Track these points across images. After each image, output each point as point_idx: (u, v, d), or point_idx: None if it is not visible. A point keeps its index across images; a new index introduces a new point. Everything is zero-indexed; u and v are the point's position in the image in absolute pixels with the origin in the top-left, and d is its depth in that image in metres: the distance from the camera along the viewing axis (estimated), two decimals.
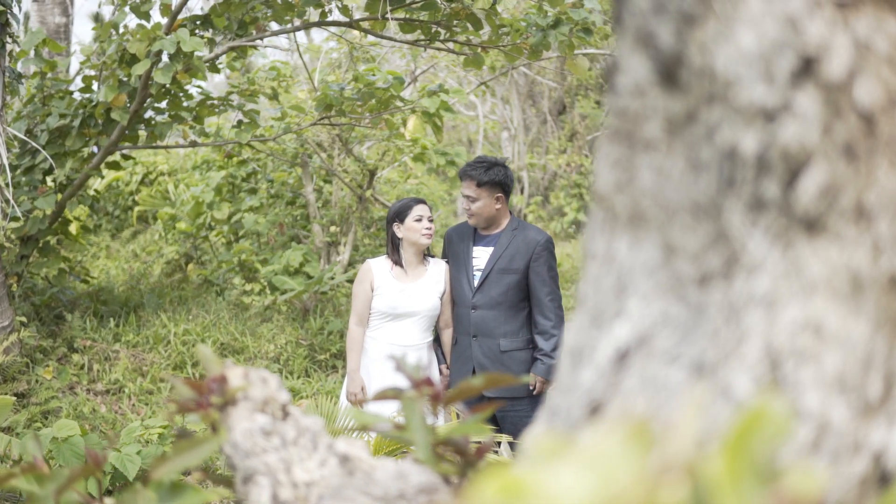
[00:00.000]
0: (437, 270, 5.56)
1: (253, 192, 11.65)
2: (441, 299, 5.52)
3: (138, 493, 1.33)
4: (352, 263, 11.08)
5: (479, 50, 7.83)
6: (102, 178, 9.16)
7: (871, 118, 0.84)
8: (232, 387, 1.46)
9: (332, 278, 10.09)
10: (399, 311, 5.39)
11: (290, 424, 1.44)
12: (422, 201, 5.54)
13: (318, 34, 19.31)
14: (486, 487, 0.61)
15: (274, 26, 8.18)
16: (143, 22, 7.43)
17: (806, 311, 0.86)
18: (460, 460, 1.45)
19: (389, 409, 4.62)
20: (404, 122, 9.67)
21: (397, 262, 5.49)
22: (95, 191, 13.33)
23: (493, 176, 5.39)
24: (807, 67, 0.85)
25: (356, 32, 9.58)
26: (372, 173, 10.96)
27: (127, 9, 7.49)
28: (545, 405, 1.20)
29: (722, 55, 0.89)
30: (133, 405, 7.78)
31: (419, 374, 1.49)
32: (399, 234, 5.45)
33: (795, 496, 0.59)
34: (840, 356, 0.85)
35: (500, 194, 5.44)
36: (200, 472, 1.69)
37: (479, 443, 1.46)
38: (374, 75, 8.48)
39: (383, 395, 1.51)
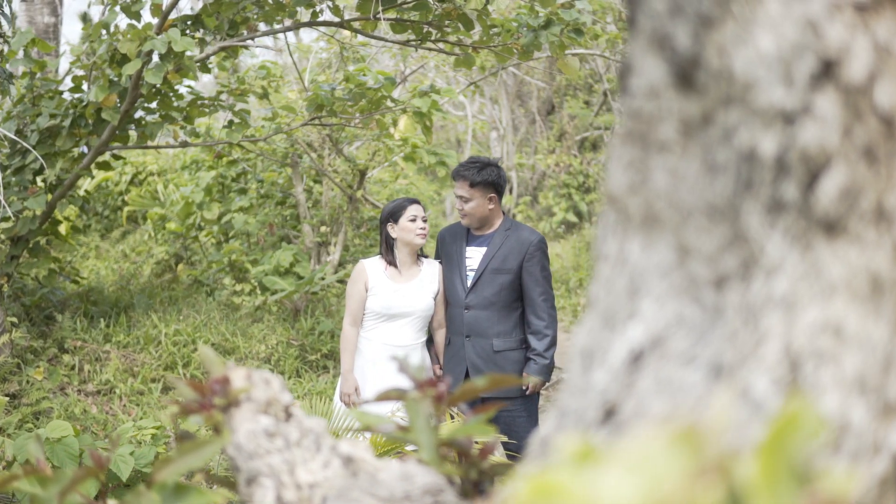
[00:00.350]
0: (431, 271, 5.55)
1: (243, 192, 11.64)
2: (435, 299, 5.52)
3: (142, 495, 1.33)
4: (342, 264, 11.09)
5: (470, 50, 7.83)
6: (92, 178, 9.14)
7: (891, 121, 0.85)
8: (235, 388, 1.46)
9: (323, 279, 10.09)
10: (393, 312, 5.39)
11: (293, 426, 1.44)
12: (416, 201, 5.53)
13: (307, 34, 19.29)
14: (524, 490, 0.61)
15: (264, 26, 8.17)
16: (134, 22, 7.41)
17: (826, 313, 0.87)
18: (464, 462, 1.45)
19: (385, 410, 4.61)
20: (395, 123, 9.67)
21: (391, 262, 5.48)
22: (86, 191, 13.30)
23: (486, 176, 5.39)
24: (827, 70, 0.85)
25: (346, 32, 9.57)
26: (362, 173, 10.96)
27: (117, 9, 7.46)
28: (555, 406, 1.20)
29: (740, 57, 0.89)
30: (124, 406, 7.77)
31: (422, 375, 1.49)
32: (393, 235, 5.44)
33: (830, 498, 0.59)
34: (860, 357, 0.86)
35: (493, 195, 5.44)
36: (202, 475, 1.69)
37: (480, 444, 1.46)
38: (364, 75, 8.48)
39: (387, 396, 1.51)
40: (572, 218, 18.60)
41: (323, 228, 11.13)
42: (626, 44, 1.07)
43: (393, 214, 5.45)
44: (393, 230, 5.44)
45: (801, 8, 0.86)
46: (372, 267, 5.48)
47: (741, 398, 0.90)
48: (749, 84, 0.89)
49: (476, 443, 1.46)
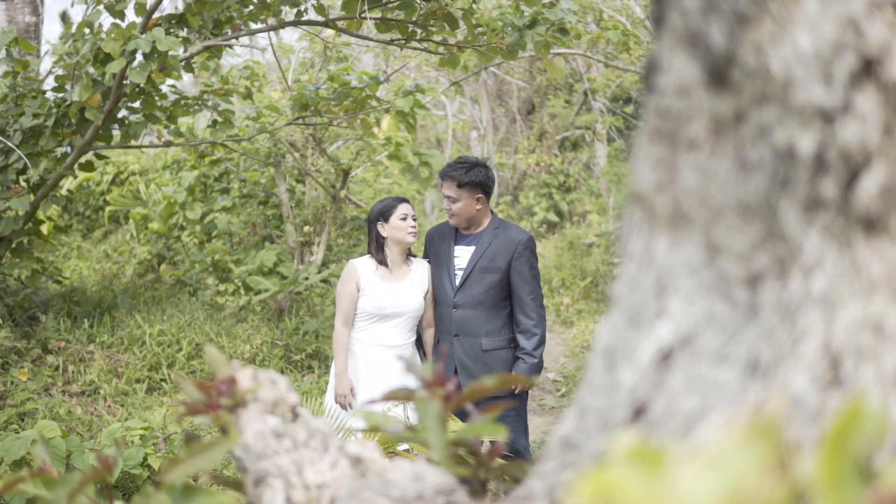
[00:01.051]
0: (421, 270, 5.55)
1: (225, 191, 11.61)
2: (425, 299, 5.52)
3: (151, 496, 1.32)
4: (325, 263, 11.07)
5: (455, 50, 7.82)
6: (75, 177, 9.09)
7: None
8: (242, 388, 1.46)
9: (307, 279, 10.07)
10: (386, 312, 5.37)
11: (301, 426, 1.43)
12: (405, 200, 5.53)
13: (287, 33, 19.23)
14: (583, 490, 0.61)
15: (249, 26, 8.14)
16: (118, 21, 7.37)
17: (866, 311, 0.87)
18: (474, 461, 1.45)
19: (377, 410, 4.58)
20: (378, 122, 9.66)
21: (382, 262, 5.47)
22: (69, 190, 13.24)
23: (473, 177, 5.39)
24: (867, 69, 0.85)
25: (329, 31, 9.56)
26: (346, 173, 10.95)
27: (101, 7, 7.42)
28: (574, 404, 1.20)
29: (778, 56, 0.89)
30: (109, 406, 7.73)
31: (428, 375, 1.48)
32: (384, 234, 5.43)
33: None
34: None
35: (480, 195, 5.44)
36: (207, 476, 1.68)
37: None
38: (348, 75, 8.48)
39: (394, 396, 1.50)
40: (553, 217, 18.62)
41: (306, 228, 11.11)
42: (653, 42, 1.07)
43: (383, 213, 5.44)
44: (384, 229, 5.43)
45: (841, 6, 0.86)
46: (363, 267, 5.46)
47: (778, 394, 0.90)
48: (787, 82, 0.89)
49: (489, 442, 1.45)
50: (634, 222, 1.10)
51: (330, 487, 1.35)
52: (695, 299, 1.02)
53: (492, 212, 5.63)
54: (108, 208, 14.18)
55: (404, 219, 5.41)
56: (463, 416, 3.94)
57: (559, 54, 12.60)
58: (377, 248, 5.48)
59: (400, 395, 1.50)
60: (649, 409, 1.03)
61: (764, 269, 0.95)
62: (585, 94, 18.99)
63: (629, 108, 20.18)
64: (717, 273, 1.00)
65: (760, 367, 0.93)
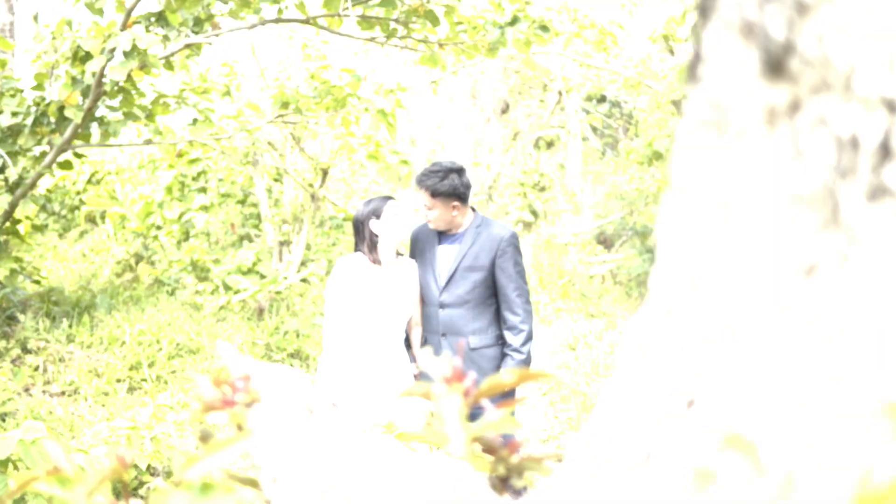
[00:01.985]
0: (409, 268, 5.54)
1: (203, 191, 11.56)
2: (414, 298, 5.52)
3: (169, 493, 1.31)
4: (304, 262, 11.05)
5: (437, 47, 7.82)
6: (54, 177, 9.04)
7: None
8: (257, 385, 1.45)
9: (286, 278, 10.05)
10: (378, 311, 5.35)
11: (317, 422, 1.43)
12: (392, 197, 5.54)
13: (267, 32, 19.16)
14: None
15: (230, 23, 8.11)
16: (98, 18, 7.33)
17: None
18: (493, 457, 1.45)
19: (362, 413, 4.59)
20: (358, 121, 9.64)
21: (376, 261, 5.44)
22: (47, 189, 13.17)
23: (447, 187, 5.37)
24: None
25: (310, 29, 9.54)
26: (325, 171, 10.93)
27: (81, 5, 7.38)
28: (603, 397, 1.20)
29: (839, 45, 0.89)
30: (90, 406, 7.68)
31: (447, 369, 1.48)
32: (377, 231, 5.41)
33: None
34: None
35: (455, 203, 5.42)
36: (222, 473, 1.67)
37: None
38: (326, 72, 8.47)
39: (411, 393, 1.50)
40: (528, 217, 18.65)
41: (285, 227, 11.09)
42: (698, 31, 1.07)
43: (376, 212, 5.41)
44: (378, 227, 5.41)
45: None
46: (354, 265, 5.43)
47: (837, 381, 0.90)
48: (848, 71, 0.89)
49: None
50: (676, 213, 1.10)
51: (348, 483, 1.34)
52: (743, 290, 1.02)
53: (473, 209, 5.62)
54: (84, 208, 14.08)
55: (397, 214, 5.41)
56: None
57: (536, 53, 12.61)
58: (371, 247, 5.45)
59: (418, 392, 1.50)
60: (699, 400, 1.03)
61: (821, 257, 0.95)
62: (560, 93, 19.02)
63: (604, 107, 20.24)
64: (769, 263, 1.00)
65: (818, 354, 0.93)
